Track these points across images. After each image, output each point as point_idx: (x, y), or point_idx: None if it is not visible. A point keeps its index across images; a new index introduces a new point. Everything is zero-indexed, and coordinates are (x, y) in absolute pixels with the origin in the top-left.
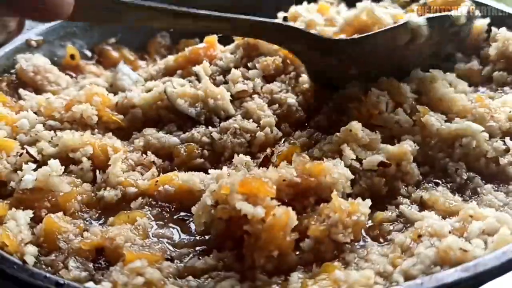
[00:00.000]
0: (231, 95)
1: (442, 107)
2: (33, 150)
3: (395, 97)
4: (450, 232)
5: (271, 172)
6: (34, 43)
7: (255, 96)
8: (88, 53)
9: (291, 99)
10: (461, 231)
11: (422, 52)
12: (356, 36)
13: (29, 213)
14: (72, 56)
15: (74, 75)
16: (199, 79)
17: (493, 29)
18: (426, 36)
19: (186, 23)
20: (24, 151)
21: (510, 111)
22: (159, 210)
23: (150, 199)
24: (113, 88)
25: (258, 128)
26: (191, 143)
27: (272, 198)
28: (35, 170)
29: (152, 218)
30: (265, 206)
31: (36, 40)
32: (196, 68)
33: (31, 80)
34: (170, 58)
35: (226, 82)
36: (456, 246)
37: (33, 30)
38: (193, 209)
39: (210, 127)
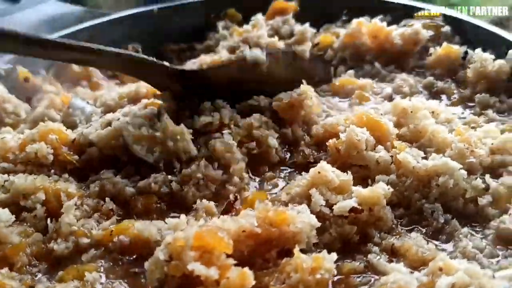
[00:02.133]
0: (195, 129)
1: (423, 140)
2: None
3: (377, 133)
4: None
5: (229, 222)
6: (2, 71)
7: (225, 131)
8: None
9: (272, 139)
10: (429, 286)
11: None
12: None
13: None
14: (26, 79)
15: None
16: (159, 117)
17: (469, 51)
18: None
19: (41, 53)
20: None
21: (492, 143)
22: (111, 263)
23: (104, 250)
24: (67, 124)
25: (225, 176)
26: (149, 194)
27: (228, 255)
28: None
29: (103, 272)
30: (219, 266)
31: (5, 69)
32: (160, 104)
33: None
34: (132, 87)
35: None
36: None
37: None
38: (146, 264)
39: (169, 175)
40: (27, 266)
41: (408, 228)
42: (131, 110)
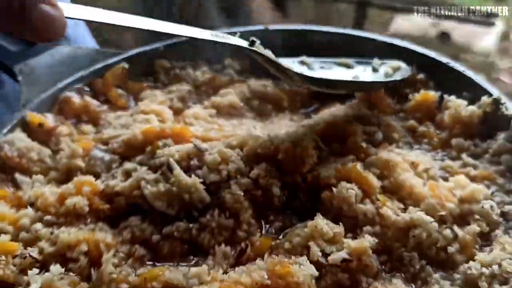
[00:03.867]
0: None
1: (402, 193)
2: (34, 252)
3: (364, 187)
4: None
5: (245, 277)
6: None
7: (232, 182)
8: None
9: (276, 189)
10: None
11: None
12: None
13: None
14: (40, 125)
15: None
16: (171, 169)
17: (445, 96)
18: None
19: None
20: (27, 254)
21: (460, 196)
22: None
23: None
24: (89, 173)
25: (236, 223)
26: (173, 240)
27: None
28: (40, 271)
29: None
30: None
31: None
32: (170, 160)
33: (17, 165)
34: (137, 132)
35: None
36: None
37: (28, 106)
38: None
39: (189, 223)
40: None
41: (391, 274)
42: (143, 160)
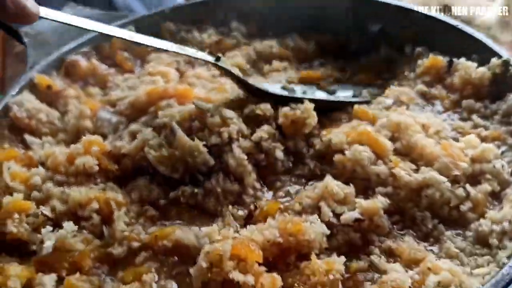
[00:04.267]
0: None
1: (414, 154)
2: (47, 210)
3: (377, 150)
4: (410, 287)
5: (257, 234)
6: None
7: (234, 145)
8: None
9: (279, 152)
10: (420, 283)
11: None
12: None
13: (54, 277)
14: (49, 87)
15: None
16: (173, 132)
17: (454, 60)
18: None
19: None
20: (40, 212)
21: (472, 155)
22: (159, 264)
23: (152, 253)
24: (97, 134)
25: (241, 187)
26: (179, 204)
27: (259, 264)
28: (52, 229)
29: (155, 272)
30: (254, 273)
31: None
32: (172, 123)
33: (27, 126)
34: (141, 93)
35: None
36: None
37: (35, 68)
38: (191, 270)
39: (195, 187)
40: (93, 269)
41: (402, 232)
42: (147, 121)
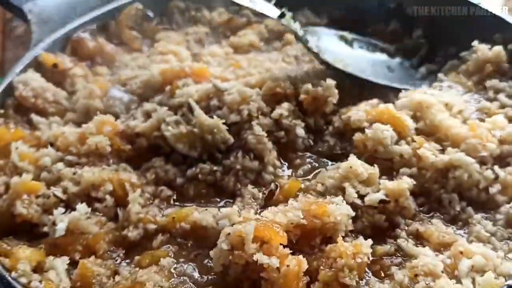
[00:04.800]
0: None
1: (439, 134)
2: (58, 191)
3: (398, 129)
4: (442, 272)
5: (280, 216)
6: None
7: (254, 123)
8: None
9: (300, 129)
10: (452, 267)
11: None
12: None
13: (66, 259)
14: (55, 66)
15: None
16: (191, 110)
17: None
18: None
19: None
20: (51, 193)
21: (500, 135)
22: (178, 247)
23: (169, 236)
24: (107, 113)
25: (261, 165)
26: (198, 183)
27: (284, 246)
28: (64, 211)
29: (173, 256)
30: (279, 255)
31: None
32: (189, 100)
33: (33, 106)
34: (155, 73)
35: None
36: None
37: (39, 46)
38: (211, 253)
39: (213, 165)
40: (108, 253)
41: (429, 215)
42: (162, 101)
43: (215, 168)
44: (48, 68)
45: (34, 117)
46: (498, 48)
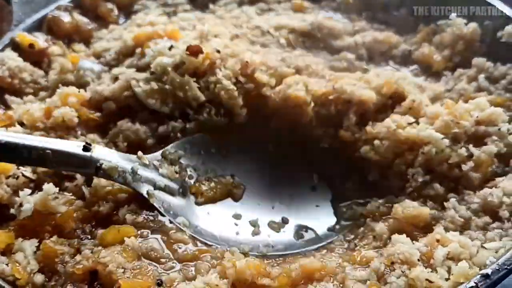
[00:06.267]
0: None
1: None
2: (28, 171)
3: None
4: (419, 260)
5: None
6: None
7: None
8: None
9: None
10: (428, 256)
11: None
12: None
13: (35, 242)
14: (31, 46)
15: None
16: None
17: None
18: None
19: None
20: (20, 173)
21: (477, 116)
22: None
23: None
24: (79, 85)
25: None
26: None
27: None
28: (32, 191)
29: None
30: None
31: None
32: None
33: (9, 86)
34: (128, 38)
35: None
36: (423, 277)
37: (19, 26)
38: None
39: (185, 123)
40: (76, 231)
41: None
42: (132, 63)
43: (187, 125)
44: (25, 48)
45: (8, 97)
46: (474, 25)
